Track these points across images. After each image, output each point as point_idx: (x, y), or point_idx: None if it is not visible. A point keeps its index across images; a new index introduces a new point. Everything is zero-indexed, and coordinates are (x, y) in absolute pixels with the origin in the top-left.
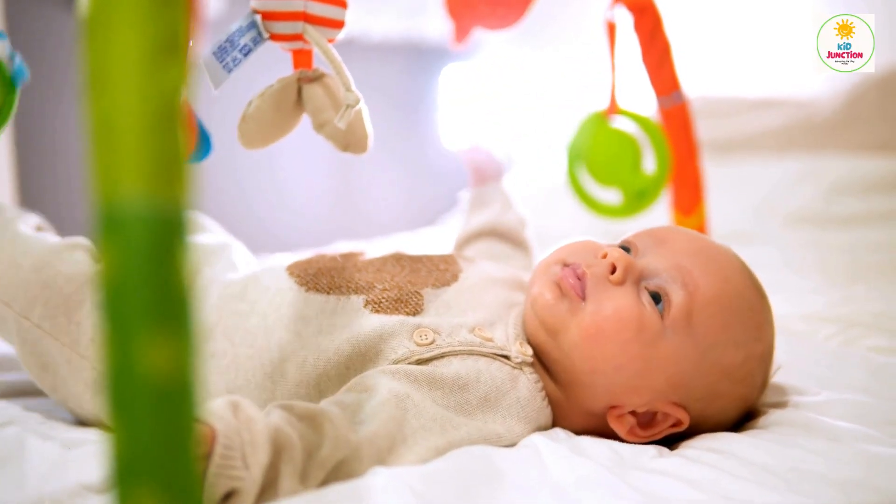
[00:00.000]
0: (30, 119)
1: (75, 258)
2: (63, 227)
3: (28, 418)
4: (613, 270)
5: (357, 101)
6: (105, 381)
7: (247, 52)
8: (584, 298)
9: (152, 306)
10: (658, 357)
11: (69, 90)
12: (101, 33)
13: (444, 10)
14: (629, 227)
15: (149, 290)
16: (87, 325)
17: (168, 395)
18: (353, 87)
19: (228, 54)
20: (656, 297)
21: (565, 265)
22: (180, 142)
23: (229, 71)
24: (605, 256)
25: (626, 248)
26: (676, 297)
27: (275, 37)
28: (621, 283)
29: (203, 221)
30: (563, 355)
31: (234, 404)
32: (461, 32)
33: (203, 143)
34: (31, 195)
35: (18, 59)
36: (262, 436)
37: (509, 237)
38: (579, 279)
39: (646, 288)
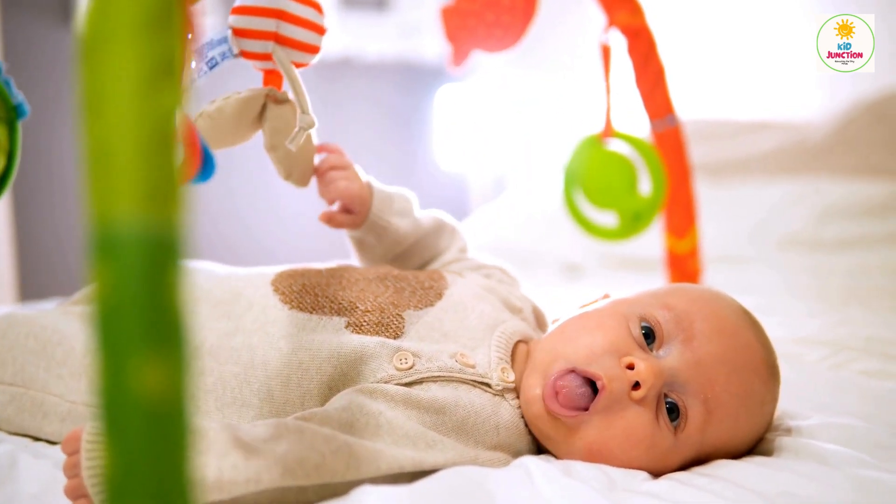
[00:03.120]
0: (24, 134)
1: (25, 314)
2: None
3: (20, 437)
4: (636, 386)
5: (311, 126)
6: (98, 403)
7: (213, 66)
8: (587, 409)
9: (146, 328)
10: (662, 464)
11: (65, 104)
12: (97, 56)
13: (441, 32)
14: (627, 249)
15: (143, 312)
16: (52, 365)
17: (161, 416)
18: (311, 111)
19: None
20: (673, 409)
21: (575, 371)
22: (175, 164)
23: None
24: (630, 366)
25: (649, 328)
26: (695, 415)
27: (245, 54)
28: (642, 402)
29: None
30: (560, 452)
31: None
32: (459, 55)
33: (207, 164)
34: (26, 213)
35: (19, 95)
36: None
37: (429, 238)
38: (594, 389)
39: (665, 396)
